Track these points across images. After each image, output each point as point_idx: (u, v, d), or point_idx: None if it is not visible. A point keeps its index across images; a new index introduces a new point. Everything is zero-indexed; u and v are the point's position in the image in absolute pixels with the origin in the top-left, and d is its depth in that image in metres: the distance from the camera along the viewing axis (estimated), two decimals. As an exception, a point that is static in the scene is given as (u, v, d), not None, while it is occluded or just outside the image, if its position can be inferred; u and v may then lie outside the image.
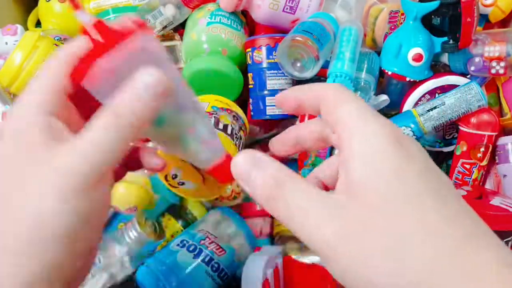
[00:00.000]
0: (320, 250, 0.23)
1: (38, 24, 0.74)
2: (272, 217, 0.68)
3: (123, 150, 0.24)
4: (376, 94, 0.64)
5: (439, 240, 0.21)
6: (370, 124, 0.24)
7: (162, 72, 0.24)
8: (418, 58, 0.60)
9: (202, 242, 0.57)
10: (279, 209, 0.24)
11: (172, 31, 0.70)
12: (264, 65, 0.63)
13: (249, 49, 0.64)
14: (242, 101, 0.66)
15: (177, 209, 0.66)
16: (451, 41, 0.59)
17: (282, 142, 0.31)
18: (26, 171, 0.23)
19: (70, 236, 0.23)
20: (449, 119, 0.61)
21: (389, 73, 0.62)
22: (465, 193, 0.58)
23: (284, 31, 0.63)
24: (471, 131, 0.62)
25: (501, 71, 0.59)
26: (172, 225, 0.65)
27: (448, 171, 0.66)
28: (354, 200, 0.23)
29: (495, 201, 0.57)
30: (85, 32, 0.24)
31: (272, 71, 0.63)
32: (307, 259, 0.60)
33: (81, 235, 0.24)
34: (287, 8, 0.63)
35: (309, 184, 0.24)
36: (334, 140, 0.27)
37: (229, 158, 0.29)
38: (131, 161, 0.30)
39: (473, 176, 0.63)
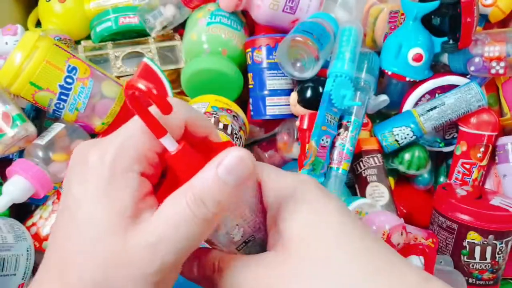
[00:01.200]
0: None
1: (38, 24, 0.74)
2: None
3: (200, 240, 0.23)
4: (376, 94, 0.64)
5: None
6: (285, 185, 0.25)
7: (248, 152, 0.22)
8: (418, 58, 0.59)
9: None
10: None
11: (172, 31, 0.70)
12: (264, 65, 0.63)
13: (249, 49, 0.64)
14: (242, 101, 0.66)
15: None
16: (451, 41, 0.59)
17: None
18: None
19: None
20: (449, 119, 0.61)
21: (389, 73, 0.62)
22: (465, 193, 0.58)
23: (284, 31, 0.63)
24: (471, 131, 0.62)
25: (501, 71, 0.59)
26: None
27: (448, 171, 0.66)
28: (281, 253, 0.24)
29: (495, 201, 0.57)
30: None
31: (272, 71, 0.63)
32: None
33: None
34: (287, 8, 0.63)
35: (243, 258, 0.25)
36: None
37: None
38: None
39: (473, 176, 0.63)
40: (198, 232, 0.22)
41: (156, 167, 0.24)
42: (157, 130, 0.22)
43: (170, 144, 0.23)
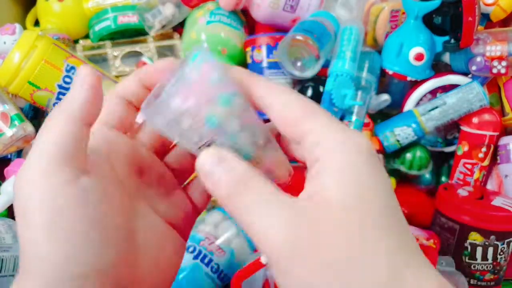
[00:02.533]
0: (269, 254, 0.22)
1: (36, 23, 0.74)
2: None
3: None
4: (378, 93, 0.63)
5: (390, 267, 0.21)
6: (342, 137, 0.23)
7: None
8: (419, 57, 0.59)
9: (202, 243, 0.57)
10: (238, 207, 0.23)
11: (171, 30, 0.69)
12: (264, 64, 0.63)
13: (249, 48, 0.64)
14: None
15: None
16: (452, 40, 0.58)
17: None
18: None
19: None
20: (451, 119, 0.61)
21: (390, 72, 0.61)
22: (467, 193, 0.58)
23: (284, 30, 0.63)
24: (472, 131, 0.62)
25: (503, 71, 0.59)
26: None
27: (449, 171, 0.66)
28: (316, 211, 0.22)
29: (497, 201, 0.57)
30: None
31: (272, 70, 0.63)
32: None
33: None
34: (287, 7, 0.62)
35: (273, 186, 0.23)
36: (299, 152, 0.26)
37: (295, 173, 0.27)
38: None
39: (475, 177, 0.62)
40: None
41: None
42: None
43: None
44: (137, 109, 0.28)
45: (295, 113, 0.24)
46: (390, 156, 0.64)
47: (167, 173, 0.29)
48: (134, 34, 0.69)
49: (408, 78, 0.61)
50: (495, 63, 0.59)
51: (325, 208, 0.22)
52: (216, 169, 0.23)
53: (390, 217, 0.22)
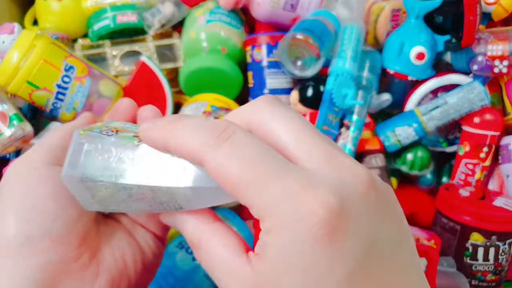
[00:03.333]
0: None
1: (35, 22, 0.73)
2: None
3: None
4: (378, 93, 0.63)
5: None
6: (290, 210, 0.19)
7: None
8: (420, 56, 0.59)
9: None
10: (201, 258, 0.23)
11: (170, 29, 0.69)
12: (264, 63, 0.62)
13: (249, 48, 0.63)
14: (241, 100, 0.65)
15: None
16: (453, 40, 0.58)
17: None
18: None
19: None
20: (452, 119, 0.61)
21: (391, 72, 0.61)
22: (468, 193, 0.58)
23: (284, 29, 0.62)
24: (474, 131, 0.61)
25: (504, 70, 0.59)
26: (171, 226, 0.64)
27: (450, 172, 0.66)
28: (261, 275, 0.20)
29: (498, 201, 0.56)
30: None
31: (272, 70, 0.62)
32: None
33: None
34: (287, 6, 0.62)
35: (227, 244, 0.22)
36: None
37: None
38: None
39: (476, 177, 0.62)
40: None
41: None
42: None
43: None
44: None
45: (233, 179, 0.20)
46: (391, 156, 0.64)
47: None
48: (133, 33, 0.68)
49: (409, 78, 0.61)
50: (497, 62, 0.59)
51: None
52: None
53: None
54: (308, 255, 0.18)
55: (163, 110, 0.64)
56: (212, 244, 0.23)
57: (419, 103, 0.63)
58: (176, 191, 0.23)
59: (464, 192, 0.58)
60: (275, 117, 0.22)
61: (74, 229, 0.26)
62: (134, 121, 0.30)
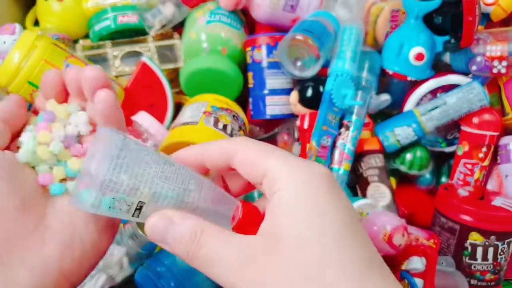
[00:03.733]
0: None
1: (36, 23, 0.74)
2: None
3: None
4: (378, 93, 0.63)
5: None
6: (298, 170, 0.25)
7: None
8: (419, 57, 0.59)
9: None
10: (199, 259, 0.24)
11: (171, 29, 0.69)
12: (264, 64, 0.63)
13: (249, 48, 0.64)
14: (242, 101, 0.65)
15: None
16: (452, 40, 0.58)
17: (183, 160, 0.29)
18: None
19: None
20: (451, 119, 0.61)
21: (390, 72, 0.61)
22: (467, 193, 0.58)
23: (284, 30, 0.63)
24: (473, 131, 0.61)
25: (503, 71, 0.59)
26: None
27: (449, 171, 0.66)
28: (272, 247, 0.23)
29: (497, 201, 0.57)
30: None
31: (272, 70, 0.63)
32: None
33: None
34: (287, 7, 0.62)
35: (226, 231, 0.25)
36: (262, 189, 0.27)
37: (245, 206, 0.28)
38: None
39: (475, 177, 0.62)
40: None
41: None
42: None
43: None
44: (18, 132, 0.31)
45: (253, 155, 0.26)
46: (390, 156, 0.64)
47: None
48: (134, 34, 0.69)
49: (408, 78, 0.61)
50: (496, 63, 0.59)
51: (278, 247, 0.23)
52: (169, 233, 0.25)
53: (351, 245, 0.23)
54: (318, 203, 0.24)
55: (164, 111, 0.65)
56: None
57: (418, 104, 0.63)
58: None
59: (463, 192, 0.58)
60: None
61: (11, 200, 0.26)
62: (77, 85, 0.30)
